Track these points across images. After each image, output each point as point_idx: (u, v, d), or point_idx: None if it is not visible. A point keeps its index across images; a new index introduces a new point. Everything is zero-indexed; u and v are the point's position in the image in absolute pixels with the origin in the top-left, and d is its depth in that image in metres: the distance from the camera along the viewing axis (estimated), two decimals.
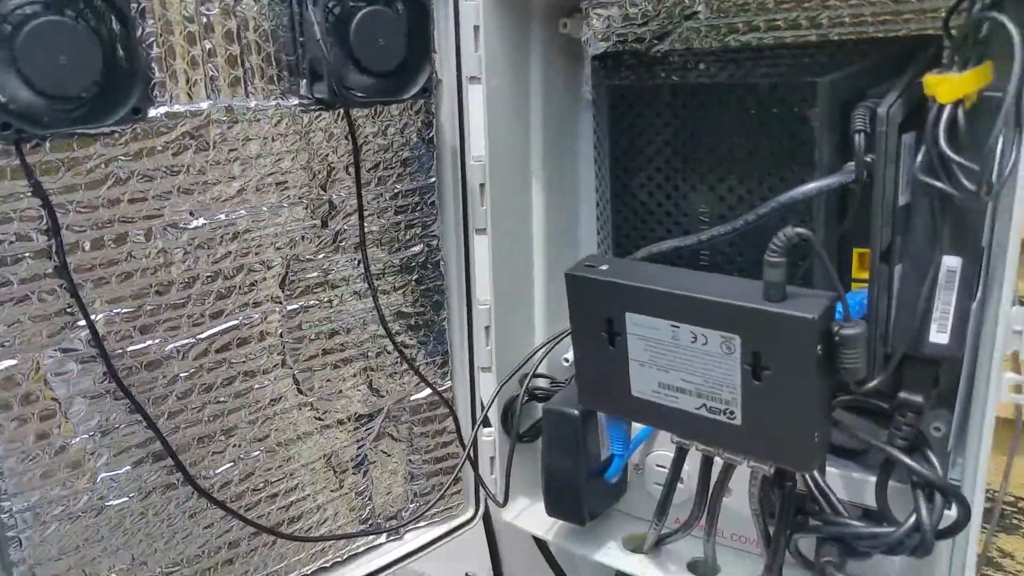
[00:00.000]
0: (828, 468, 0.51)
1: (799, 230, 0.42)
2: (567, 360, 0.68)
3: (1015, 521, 0.75)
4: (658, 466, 0.63)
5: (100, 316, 0.46)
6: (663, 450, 0.63)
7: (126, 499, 0.49)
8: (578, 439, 0.57)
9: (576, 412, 0.57)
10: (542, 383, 0.67)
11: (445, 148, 0.59)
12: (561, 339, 0.66)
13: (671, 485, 0.56)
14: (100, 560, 0.49)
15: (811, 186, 0.45)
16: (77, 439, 0.47)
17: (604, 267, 0.52)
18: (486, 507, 0.68)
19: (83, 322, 0.45)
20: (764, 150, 0.53)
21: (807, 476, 0.50)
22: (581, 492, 0.58)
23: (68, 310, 0.45)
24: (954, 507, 0.46)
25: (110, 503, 0.48)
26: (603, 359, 0.52)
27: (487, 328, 0.63)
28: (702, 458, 0.53)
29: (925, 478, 0.47)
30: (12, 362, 0.44)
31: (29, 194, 0.42)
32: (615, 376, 0.52)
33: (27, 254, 0.43)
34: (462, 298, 0.62)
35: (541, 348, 0.66)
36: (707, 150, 0.55)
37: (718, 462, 0.52)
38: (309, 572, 0.59)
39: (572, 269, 0.52)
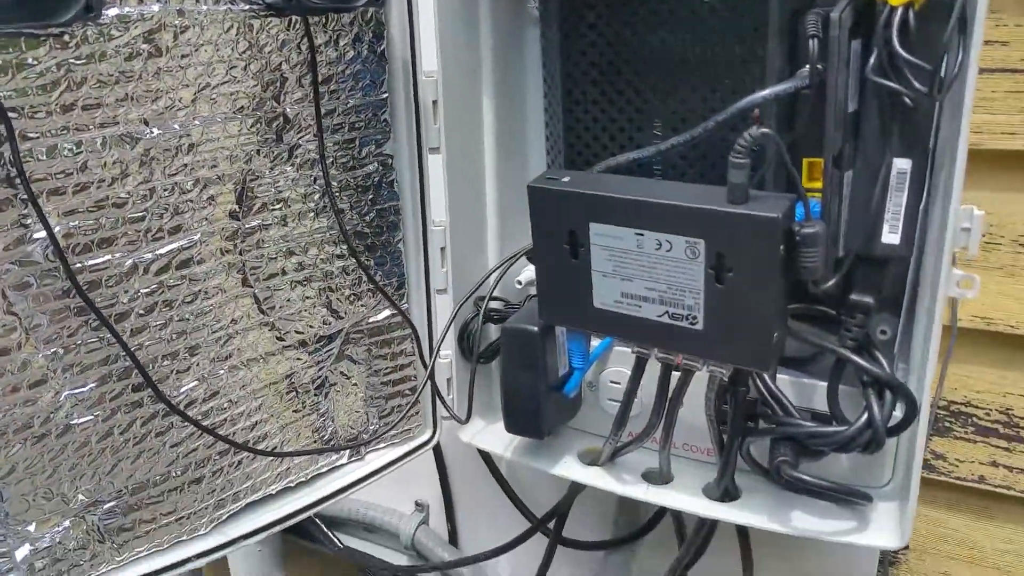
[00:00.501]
0: (778, 376, 0.56)
1: (764, 130, 0.46)
2: (520, 283, 0.72)
3: (947, 424, 0.83)
4: (612, 383, 0.68)
5: (57, 228, 0.47)
6: (617, 366, 0.67)
7: (90, 417, 0.50)
8: (537, 355, 0.61)
9: (535, 328, 0.60)
10: (496, 306, 0.71)
11: (396, 62, 0.60)
12: (514, 261, 0.69)
13: (630, 396, 0.60)
14: (66, 480, 0.50)
15: (767, 92, 0.49)
16: (40, 355, 0.47)
17: (566, 179, 0.55)
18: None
19: (41, 234, 0.45)
20: (717, 59, 0.56)
21: (759, 382, 0.55)
22: (541, 407, 0.62)
23: (24, 222, 0.45)
24: (901, 406, 0.52)
25: (74, 421, 0.49)
26: (565, 272, 0.55)
27: (443, 249, 0.66)
28: (661, 367, 0.57)
29: (875, 376, 0.52)
30: None
31: None
32: (577, 289, 0.56)
33: None
34: (417, 218, 0.65)
35: (495, 270, 0.69)
36: (659, 61, 0.59)
37: (675, 374, 0.56)
38: (275, 492, 0.61)
39: (534, 181, 0.55)
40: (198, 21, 0.49)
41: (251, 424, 0.59)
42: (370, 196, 0.62)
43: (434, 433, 0.70)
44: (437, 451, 0.96)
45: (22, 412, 0.47)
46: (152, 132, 0.49)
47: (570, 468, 0.66)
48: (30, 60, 0.43)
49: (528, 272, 0.70)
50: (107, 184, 0.48)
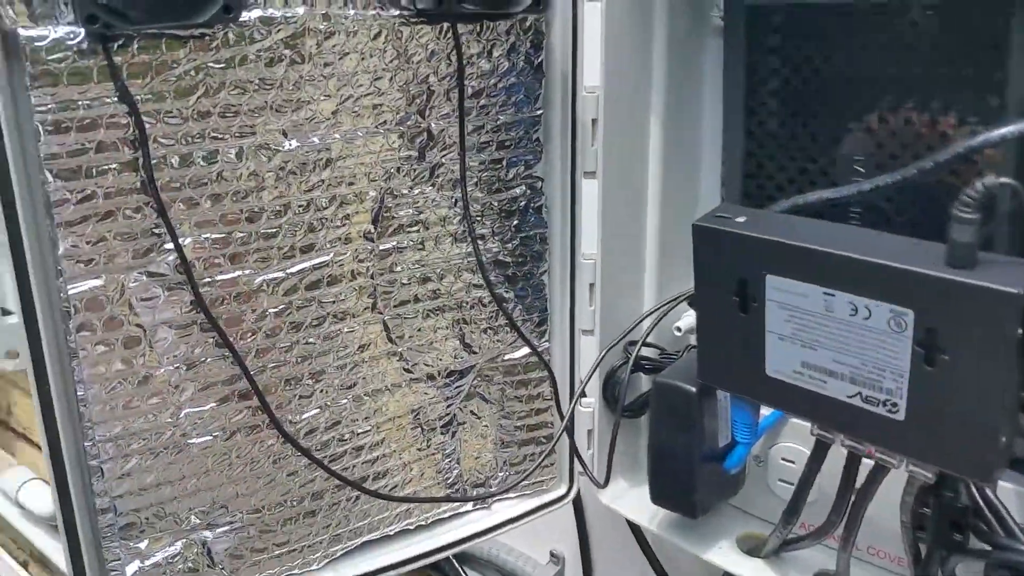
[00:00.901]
0: (1000, 483, 0.47)
1: (1003, 180, 0.38)
2: (679, 329, 0.66)
3: None
4: (784, 460, 0.60)
5: (188, 240, 0.47)
6: (791, 442, 0.59)
7: (209, 438, 0.50)
8: (694, 420, 0.54)
9: (693, 389, 0.53)
10: (649, 353, 0.65)
11: (555, 75, 0.57)
12: (674, 305, 0.63)
13: (806, 484, 0.52)
14: (180, 499, 0.50)
15: (1006, 129, 0.40)
16: (161, 370, 0.47)
17: (741, 219, 0.48)
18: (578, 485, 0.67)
19: (171, 245, 0.45)
20: (939, 83, 0.48)
21: (974, 488, 0.46)
22: (694, 481, 0.55)
23: (155, 230, 0.45)
24: None
25: (192, 440, 0.49)
26: (732, 328, 0.48)
27: (591, 286, 0.61)
28: (848, 456, 0.49)
29: None
30: (98, 282, 0.44)
31: (116, 100, 0.42)
32: (746, 350, 0.48)
33: (113, 166, 0.43)
34: (565, 250, 0.61)
35: (651, 313, 0.64)
36: (866, 83, 0.51)
37: (866, 462, 0.49)
38: (392, 533, 0.59)
39: (702, 220, 0.49)
40: (344, 27, 0.48)
41: (372, 459, 0.57)
42: (515, 221, 0.58)
43: (570, 488, 0.66)
44: (577, 501, 0.91)
45: (141, 426, 0.47)
46: (291, 144, 0.48)
47: (726, 556, 0.59)
48: (169, 62, 0.43)
49: (689, 318, 0.65)
50: (241, 197, 0.48)
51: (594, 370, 0.62)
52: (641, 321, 0.64)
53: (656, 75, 0.60)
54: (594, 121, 0.58)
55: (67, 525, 0.45)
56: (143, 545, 0.49)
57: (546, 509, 0.65)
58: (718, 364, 0.51)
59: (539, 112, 0.57)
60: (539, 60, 0.56)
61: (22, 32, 0.40)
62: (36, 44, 0.40)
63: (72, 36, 0.41)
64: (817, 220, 0.49)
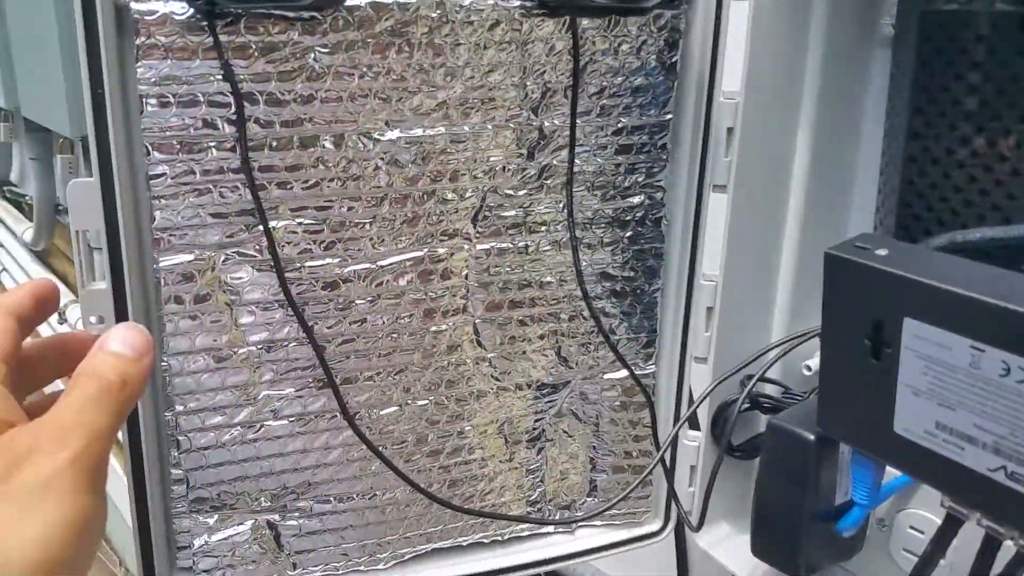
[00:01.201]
0: None
1: None
2: (809, 368, 0.61)
3: None
4: (912, 528, 0.54)
5: (280, 223, 0.47)
6: (924, 509, 0.54)
7: (285, 423, 0.51)
8: (808, 472, 0.50)
9: (811, 437, 0.50)
10: (772, 391, 0.61)
11: (690, 77, 0.53)
12: (805, 340, 0.58)
13: (930, 561, 0.47)
14: (252, 480, 0.51)
15: None
16: (243, 350, 0.48)
17: (882, 251, 0.43)
18: (678, 522, 0.63)
19: (261, 227, 0.46)
20: None
21: None
22: (801, 538, 0.51)
23: (249, 211, 0.46)
24: None
25: (269, 423, 0.50)
26: (860, 375, 0.43)
27: (709, 309, 0.57)
28: (984, 537, 0.43)
29: None
30: (188, 257, 0.46)
31: (219, 77, 0.43)
32: (873, 401, 0.43)
33: (212, 144, 0.45)
34: (683, 268, 0.57)
35: (776, 346, 0.59)
36: None
37: (1007, 545, 0.42)
38: (465, 544, 0.58)
39: (837, 248, 0.44)
40: (459, 16, 0.47)
41: (448, 465, 0.56)
42: (629, 233, 0.55)
43: (664, 525, 0.62)
44: (679, 536, 0.87)
45: (219, 402, 0.49)
46: (392, 134, 0.48)
47: None
48: (275, 44, 0.44)
49: None
50: (338, 183, 0.48)
51: (701, 400, 0.58)
52: (764, 353, 0.59)
53: (808, 85, 0.55)
54: (730, 130, 0.54)
55: (137, 493, 0.47)
56: (212, 520, 0.51)
57: (636, 543, 0.62)
58: (840, 413, 0.46)
59: (668, 117, 0.54)
60: (672, 60, 0.52)
61: (134, 6, 0.41)
62: (146, 18, 0.41)
63: (180, 12, 0.42)
64: (976, 263, 0.43)
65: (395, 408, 0.53)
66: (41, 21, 1.32)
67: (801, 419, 0.51)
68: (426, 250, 0.51)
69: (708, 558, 0.83)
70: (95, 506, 0.32)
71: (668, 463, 0.60)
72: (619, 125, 0.53)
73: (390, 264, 0.50)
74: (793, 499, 0.51)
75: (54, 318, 1.89)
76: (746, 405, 0.59)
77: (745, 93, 0.52)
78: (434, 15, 0.46)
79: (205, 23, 0.42)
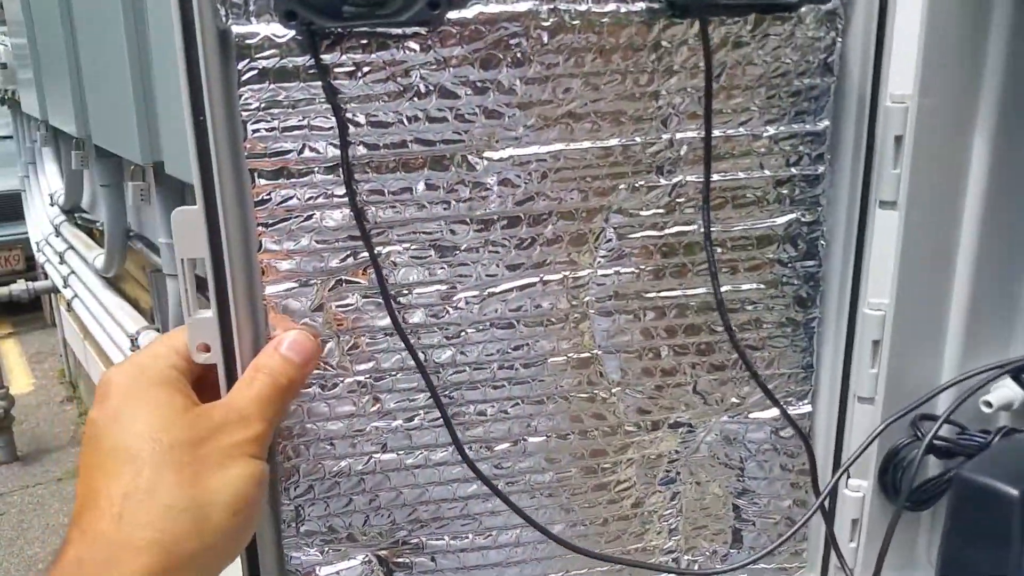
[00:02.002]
0: None
1: None
2: (989, 404, 0.56)
3: None
4: None
5: (387, 249, 0.48)
6: None
7: (394, 456, 0.52)
8: (1011, 533, 0.47)
9: (1015, 492, 0.46)
10: (945, 432, 0.56)
11: (850, 79, 0.49)
12: (989, 376, 0.53)
13: None
14: (362, 514, 0.52)
15: None
16: (351, 379, 0.50)
17: None
18: None
19: (365, 254, 0.47)
20: None
21: None
22: None
23: (356, 236, 0.47)
24: None
25: (378, 456, 0.51)
26: None
27: (876, 343, 0.53)
28: None
29: None
30: (293, 285, 0.47)
31: (322, 100, 0.44)
32: None
33: (316, 168, 0.46)
34: (844, 295, 0.53)
35: (952, 384, 0.55)
36: None
37: None
38: None
39: None
40: (576, 22, 0.45)
41: (571, 506, 0.55)
42: (779, 255, 0.52)
43: None
44: None
45: (328, 432, 0.50)
46: (504, 153, 0.47)
47: None
48: (376, 64, 0.44)
49: (1005, 392, 0.55)
50: (445, 206, 0.48)
51: (867, 446, 0.54)
52: (940, 392, 0.55)
53: (987, 84, 0.50)
54: (899, 139, 0.50)
55: None
56: (322, 554, 0.53)
57: None
58: None
59: (824, 125, 0.50)
60: (829, 60, 0.49)
61: (235, 29, 0.43)
62: (247, 42, 0.43)
63: (281, 34, 0.43)
64: None
65: (511, 444, 0.53)
66: (112, 48, 1.41)
67: (995, 469, 0.48)
68: (542, 275, 0.50)
69: None
70: (266, 468, 0.45)
71: (827, 513, 0.56)
72: (766, 134, 0.50)
73: (502, 291, 0.50)
74: (991, 563, 0.47)
75: (127, 344, 2.04)
76: (922, 450, 0.54)
77: (919, 96, 0.48)
78: (548, 23, 0.45)
79: (307, 44, 0.43)
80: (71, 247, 2.79)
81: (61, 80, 1.88)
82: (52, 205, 2.96)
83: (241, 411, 0.44)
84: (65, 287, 2.82)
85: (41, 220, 3.15)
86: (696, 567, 0.58)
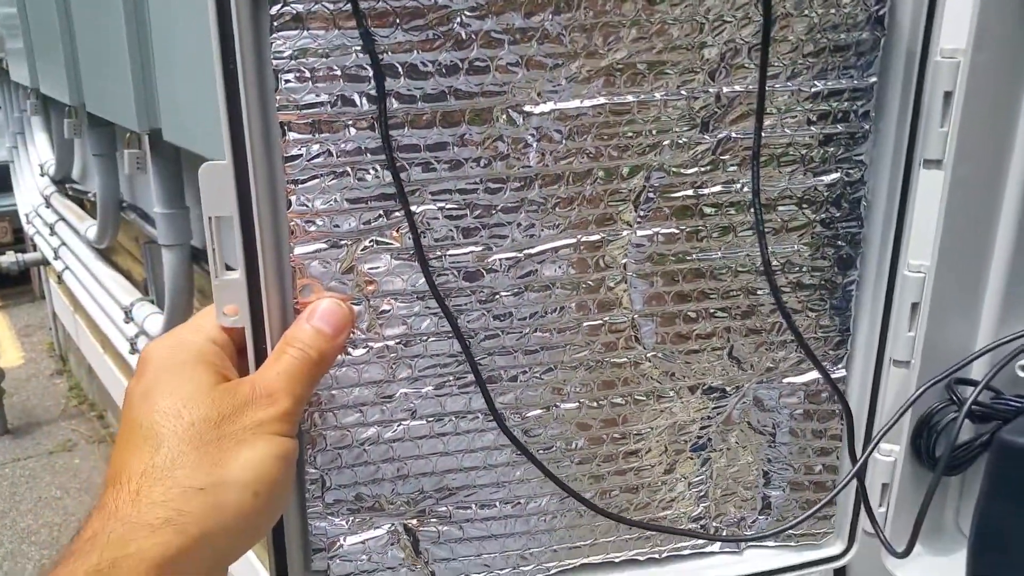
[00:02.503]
0: None
1: None
2: None
3: None
4: None
5: (420, 209, 0.45)
6: None
7: (423, 422, 0.49)
8: None
9: None
10: (982, 397, 0.54)
11: (900, 33, 0.47)
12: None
13: None
14: (389, 482, 0.50)
15: None
16: (380, 344, 0.47)
17: None
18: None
19: (401, 212, 0.44)
20: None
21: None
22: None
23: (388, 195, 0.44)
24: None
25: (406, 423, 0.49)
26: None
27: (914, 305, 0.51)
28: None
29: None
30: (323, 245, 0.45)
31: (358, 49, 0.41)
32: None
33: (350, 122, 0.43)
34: (884, 257, 0.51)
35: (989, 349, 0.53)
36: None
37: None
38: (617, 560, 0.55)
39: None
40: None
41: (600, 474, 0.53)
42: (821, 215, 0.50)
43: (847, 549, 0.57)
44: None
45: (356, 399, 0.48)
46: (544, 107, 0.45)
47: None
48: (418, 9, 0.41)
49: None
50: (483, 164, 0.45)
51: (905, 410, 0.53)
52: (977, 356, 0.53)
53: None
54: (948, 95, 0.47)
55: None
56: (348, 523, 0.50)
57: (813, 567, 0.58)
58: None
59: (872, 80, 0.48)
60: (879, 12, 0.46)
61: None
62: None
63: None
64: None
65: (542, 410, 0.51)
66: (107, 12, 1.36)
67: None
68: (580, 236, 0.48)
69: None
70: (293, 446, 0.43)
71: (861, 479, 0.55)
72: (813, 90, 0.47)
73: (539, 252, 0.47)
74: None
75: (120, 317, 1.99)
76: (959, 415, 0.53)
77: (972, 50, 0.45)
78: None
79: None
80: (62, 218, 2.72)
81: (53, 46, 1.82)
82: (42, 175, 2.89)
83: (267, 387, 0.42)
84: (55, 259, 2.76)
85: (31, 191, 3.08)
86: (724, 534, 0.57)
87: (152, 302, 2.09)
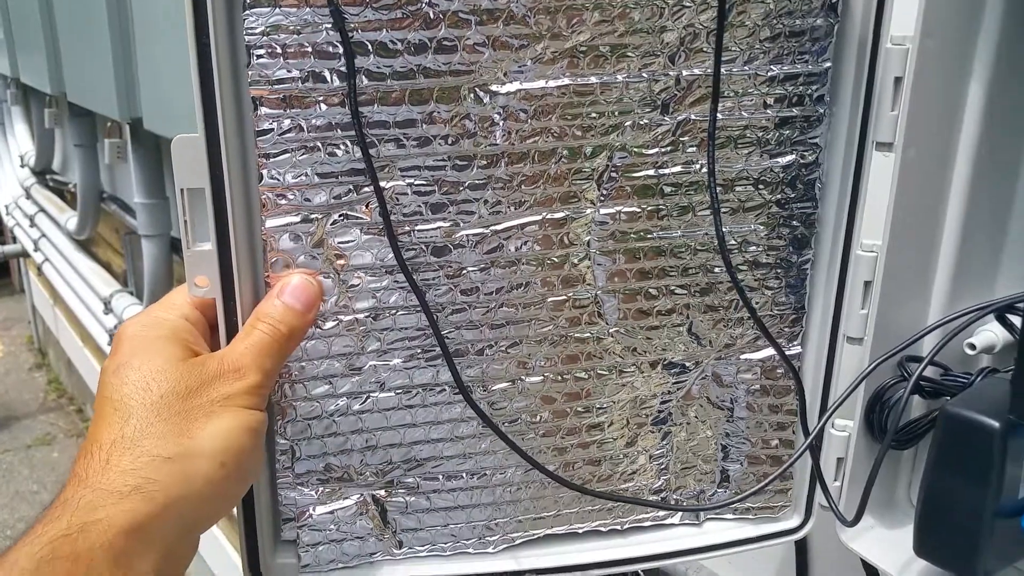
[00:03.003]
0: None
1: None
2: (973, 347, 0.56)
3: None
4: None
5: (389, 185, 0.46)
6: None
7: (392, 395, 0.50)
8: (993, 463, 0.47)
9: (997, 425, 0.47)
10: (930, 373, 0.56)
11: (852, 19, 0.48)
12: (974, 317, 0.53)
13: None
14: (358, 453, 0.51)
15: None
16: (350, 317, 0.48)
17: None
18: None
19: (370, 187, 0.45)
20: None
21: None
22: (981, 540, 0.48)
23: (358, 171, 0.45)
24: None
25: (375, 395, 0.50)
26: None
27: (867, 284, 0.53)
28: None
29: None
30: (294, 219, 0.45)
31: (328, 26, 0.42)
32: None
33: (320, 98, 0.43)
34: (838, 236, 0.52)
35: (940, 324, 0.54)
36: None
37: None
38: (580, 531, 0.56)
39: None
40: None
41: (564, 447, 0.54)
42: (777, 196, 0.51)
43: (804, 522, 0.59)
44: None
45: (325, 371, 0.48)
46: (511, 87, 0.45)
47: None
48: None
49: (988, 335, 0.54)
50: (450, 142, 0.46)
51: (857, 385, 0.54)
52: (927, 333, 0.54)
53: (986, 27, 0.49)
54: (898, 80, 0.48)
55: None
56: (317, 493, 0.51)
57: (771, 540, 0.59)
58: None
59: (826, 65, 0.49)
60: (833, 0, 0.47)
61: None
62: None
63: None
64: None
65: (508, 384, 0.51)
66: (89, 1, 1.35)
67: (979, 406, 0.48)
68: (545, 214, 0.48)
69: (834, 555, 0.79)
70: (262, 419, 0.44)
71: (814, 453, 0.56)
72: (769, 74, 0.48)
73: (505, 229, 0.48)
74: (973, 495, 0.48)
75: (100, 308, 1.98)
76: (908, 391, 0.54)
77: (920, 36, 0.47)
78: None
79: None
80: (42, 210, 2.70)
81: (34, 35, 1.81)
82: (23, 167, 2.86)
83: (236, 361, 0.43)
84: (35, 251, 2.74)
85: (11, 182, 3.05)
86: (686, 505, 0.58)
87: (132, 293, 2.08)
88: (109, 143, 1.66)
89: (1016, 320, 0.52)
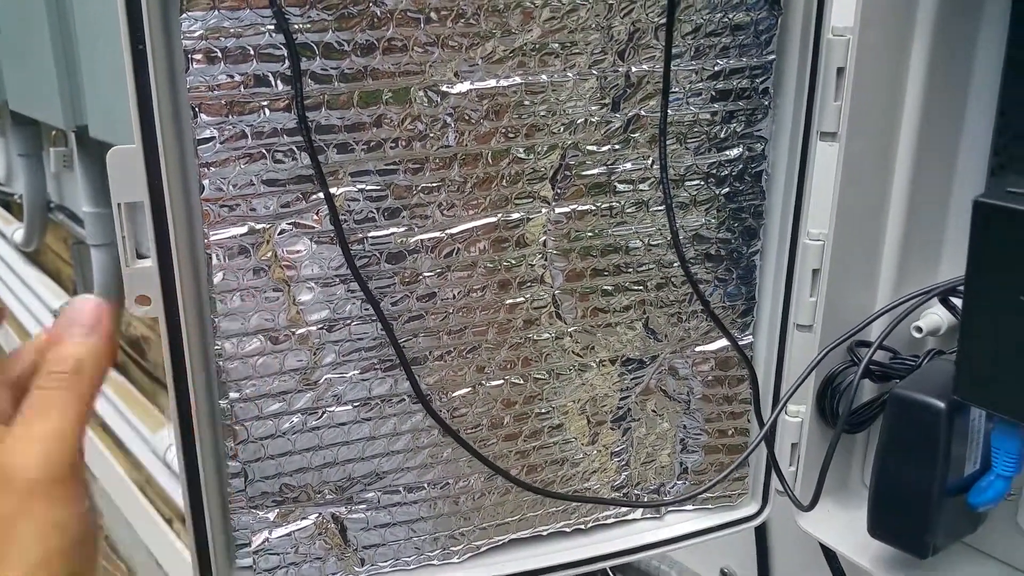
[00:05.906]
0: None
1: None
2: (919, 330, 0.57)
3: None
4: None
5: (340, 191, 0.44)
6: None
7: (349, 408, 0.48)
8: (939, 443, 0.48)
9: (942, 405, 0.47)
10: (879, 357, 0.57)
11: (795, 12, 0.48)
12: (920, 301, 0.54)
13: None
14: (315, 470, 0.48)
15: None
16: (303, 330, 0.46)
17: None
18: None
19: (321, 194, 0.43)
20: None
21: None
22: (930, 517, 0.49)
23: (306, 177, 0.43)
24: None
25: (331, 409, 0.48)
26: (1013, 335, 0.42)
27: (815, 272, 0.53)
28: None
29: None
30: (241, 230, 0.43)
31: (271, 28, 0.40)
32: None
33: (264, 103, 0.41)
34: (786, 227, 0.53)
35: (888, 309, 0.55)
36: None
37: None
38: (545, 533, 0.55)
39: (986, 196, 0.42)
40: None
41: (525, 450, 0.53)
42: (725, 189, 0.51)
43: (762, 508, 0.59)
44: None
45: (277, 388, 0.46)
46: (462, 87, 0.44)
47: None
48: None
49: (933, 318, 0.56)
50: (403, 143, 0.44)
51: (808, 373, 0.54)
52: (875, 319, 0.55)
53: (922, 14, 0.50)
54: (840, 71, 0.49)
55: (191, 488, 0.44)
56: (273, 515, 0.49)
57: (731, 528, 0.59)
58: (985, 377, 0.44)
59: (770, 57, 0.49)
60: None
61: None
62: None
63: None
64: None
65: (468, 389, 0.50)
66: (30, 6, 1.28)
67: (925, 387, 0.49)
68: (500, 215, 0.47)
69: (793, 539, 0.80)
70: (72, 514, 0.32)
71: (769, 440, 0.56)
72: (716, 68, 0.48)
73: (460, 232, 0.47)
74: (922, 474, 0.49)
75: (49, 319, 1.90)
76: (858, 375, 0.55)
77: (860, 28, 0.47)
78: None
79: None
80: None
81: None
82: None
83: (23, 438, 0.33)
84: None
85: None
86: (646, 500, 0.57)
87: None
88: (55, 152, 1.57)
89: (958, 302, 0.53)
